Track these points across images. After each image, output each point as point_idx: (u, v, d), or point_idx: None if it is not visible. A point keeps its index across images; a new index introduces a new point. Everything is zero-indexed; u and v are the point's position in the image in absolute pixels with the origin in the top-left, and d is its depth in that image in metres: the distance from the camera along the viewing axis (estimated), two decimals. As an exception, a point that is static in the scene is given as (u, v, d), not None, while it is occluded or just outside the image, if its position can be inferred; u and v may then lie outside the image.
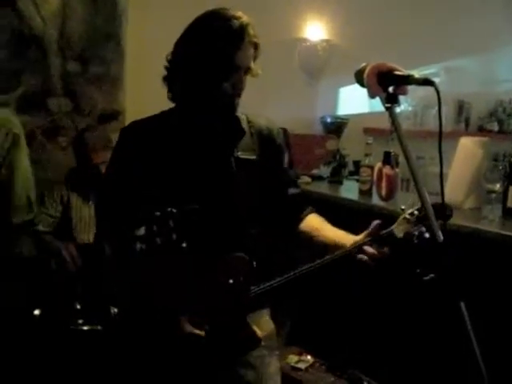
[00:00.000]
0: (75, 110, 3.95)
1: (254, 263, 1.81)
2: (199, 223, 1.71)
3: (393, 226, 1.82)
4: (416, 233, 1.79)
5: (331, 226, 1.96)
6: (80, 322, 2.74)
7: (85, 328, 2.74)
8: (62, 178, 3.51)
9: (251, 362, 1.88)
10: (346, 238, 1.86)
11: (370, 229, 1.83)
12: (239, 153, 1.85)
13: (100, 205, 1.91)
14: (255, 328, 1.82)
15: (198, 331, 1.69)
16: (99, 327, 2.74)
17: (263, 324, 1.92)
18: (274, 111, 4.29)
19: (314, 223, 1.98)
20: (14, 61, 3.69)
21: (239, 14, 1.76)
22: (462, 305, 1.24)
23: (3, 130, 1.89)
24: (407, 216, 1.82)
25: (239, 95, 1.80)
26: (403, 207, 1.86)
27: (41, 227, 3.24)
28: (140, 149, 1.78)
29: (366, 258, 1.78)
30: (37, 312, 2.69)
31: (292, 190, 2.01)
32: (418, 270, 1.33)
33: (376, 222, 1.84)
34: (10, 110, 2.02)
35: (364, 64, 1.49)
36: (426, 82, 1.39)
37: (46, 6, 3.75)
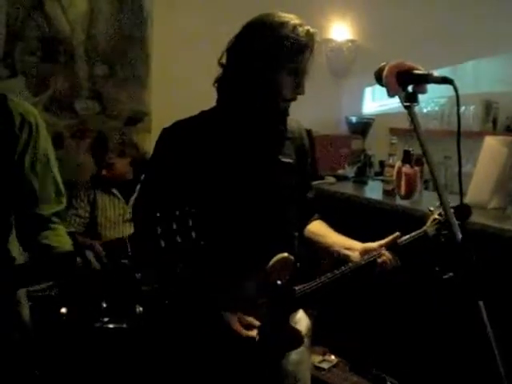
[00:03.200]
0: (102, 111, 4.01)
1: (298, 264, 1.84)
2: (243, 225, 1.76)
3: (425, 227, 1.89)
4: (445, 232, 1.83)
5: (335, 232, 2.00)
6: (105, 320, 2.78)
7: (110, 326, 2.78)
8: (90, 178, 3.57)
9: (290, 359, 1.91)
10: (354, 243, 1.91)
11: (388, 238, 1.88)
12: (280, 156, 1.86)
13: (139, 208, 1.88)
14: (299, 327, 1.87)
15: (250, 333, 1.71)
16: (124, 325, 2.77)
17: (299, 321, 1.96)
18: (300, 112, 4.28)
19: (320, 228, 2.02)
20: (43, 64, 3.77)
21: (298, 20, 1.73)
22: (481, 304, 1.24)
23: (18, 117, 1.90)
24: (437, 216, 1.88)
25: (295, 99, 1.79)
26: (431, 208, 1.93)
27: (72, 228, 3.32)
28: (183, 150, 1.76)
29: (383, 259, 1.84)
30: (63, 310, 2.74)
31: (310, 194, 2.05)
32: (437, 269, 1.33)
33: (396, 234, 1.88)
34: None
35: (383, 63, 1.50)
36: (445, 80, 1.39)
37: (73, 10, 3.82)
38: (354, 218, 3.08)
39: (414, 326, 2.77)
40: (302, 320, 1.97)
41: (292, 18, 1.73)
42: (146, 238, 1.59)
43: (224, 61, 1.80)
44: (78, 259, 1.87)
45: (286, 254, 1.80)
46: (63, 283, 2.70)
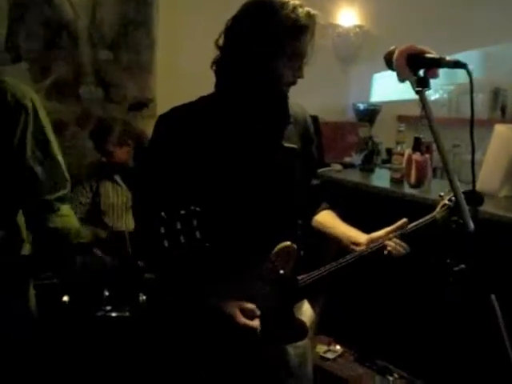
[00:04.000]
0: (107, 98, 3.96)
1: (302, 253, 1.80)
2: (245, 212, 1.71)
3: (434, 212, 1.85)
4: (455, 218, 1.78)
5: (343, 222, 1.96)
6: (108, 308, 2.75)
7: (113, 315, 2.75)
8: (93, 165, 3.54)
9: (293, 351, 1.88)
10: (360, 234, 1.88)
11: (395, 225, 1.84)
12: (283, 141, 1.81)
13: (137, 198, 1.86)
14: (303, 318, 1.83)
15: (252, 323, 1.67)
16: (127, 314, 2.74)
17: (304, 312, 1.93)
18: (306, 98, 4.20)
19: (328, 218, 1.99)
20: (46, 49, 3.72)
21: (298, 1, 1.67)
22: (493, 297, 1.19)
23: (12, 101, 1.83)
24: (447, 202, 1.84)
25: (296, 83, 1.74)
26: (442, 194, 1.89)
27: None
28: (181, 137, 1.70)
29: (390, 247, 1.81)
30: (65, 298, 2.72)
31: (315, 181, 2.01)
32: (448, 261, 1.28)
33: (403, 221, 1.85)
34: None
35: (393, 47, 1.45)
36: (458, 64, 1.34)
37: (77, -6, 3.76)
38: (360, 206, 3.04)
39: (422, 316, 2.74)
40: (306, 311, 1.94)
41: (296, 1, 1.67)
42: (149, 238, 1.55)
43: (221, 42, 1.73)
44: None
45: (288, 243, 1.76)
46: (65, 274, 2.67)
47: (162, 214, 1.36)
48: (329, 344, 3.10)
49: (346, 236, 1.89)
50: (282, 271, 1.75)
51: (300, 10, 1.64)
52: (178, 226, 1.37)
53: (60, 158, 1.99)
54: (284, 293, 1.77)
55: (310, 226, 1.99)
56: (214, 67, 1.76)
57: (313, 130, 1.96)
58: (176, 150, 1.70)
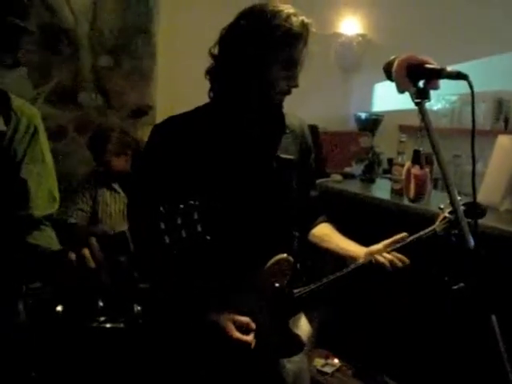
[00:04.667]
0: (106, 104, 3.94)
1: (298, 265, 1.78)
2: (239, 224, 1.68)
3: (434, 225, 1.82)
4: (455, 231, 1.75)
5: (342, 236, 1.94)
6: (102, 319, 2.71)
7: (107, 326, 2.70)
8: (92, 172, 3.50)
9: (288, 366, 1.84)
10: (358, 248, 1.85)
11: (394, 238, 1.82)
12: (279, 152, 1.79)
13: (132, 206, 1.82)
14: (299, 332, 1.80)
15: (246, 337, 1.65)
16: (122, 325, 2.70)
17: (301, 327, 1.89)
18: (308, 107, 4.21)
19: (326, 231, 1.96)
20: (45, 55, 3.69)
21: (292, 10, 1.67)
22: (494, 318, 1.15)
23: (24, 121, 1.84)
24: (447, 215, 1.81)
25: (290, 92, 1.73)
26: (442, 206, 1.85)
27: (72, 220, 3.29)
28: (176, 147, 1.69)
29: (385, 261, 1.77)
30: (59, 308, 2.67)
31: (313, 193, 1.98)
32: (447, 278, 1.24)
33: (403, 234, 1.82)
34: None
35: (393, 57, 1.41)
36: (459, 75, 1.31)
37: (77, 0, 3.73)
38: (360, 217, 3.01)
39: (421, 329, 2.69)
40: (303, 325, 1.90)
41: (286, 8, 1.66)
42: (149, 236, 1.51)
43: (216, 51, 1.72)
44: (73, 256, 1.81)
45: (284, 255, 1.73)
46: (55, 282, 2.62)
47: (161, 209, 1.33)
48: (326, 357, 3.06)
49: (344, 250, 1.86)
50: (277, 284, 1.72)
51: (294, 18, 1.63)
52: (179, 221, 1.33)
53: (53, 178, 1.99)
54: (279, 306, 1.74)
55: (307, 240, 1.95)
56: (207, 76, 1.74)
57: (311, 141, 1.94)
58: (169, 159, 1.69)
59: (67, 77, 3.78)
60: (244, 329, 1.65)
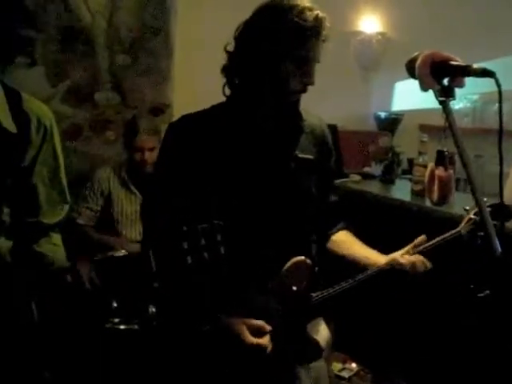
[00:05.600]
0: (123, 103, 3.91)
1: (316, 269, 1.73)
2: (257, 227, 1.64)
3: (460, 227, 1.76)
4: (481, 233, 1.68)
5: (362, 244, 1.89)
6: (116, 320, 2.67)
7: (121, 327, 2.67)
8: (106, 172, 3.47)
9: (308, 372, 1.79)
10: (378, 257, 1.80)
11: (413, 243, 1.77)
12: (297, 152, 1.74)
13: (148, 208, 1.79)
14: (318, 338, 1.75)
15: (260, 340, 1.60)
16: (136, 327, 2.66)
17: (320, 332, 1.84)
18: (326, 106, 4.16)
19: (346, 238, 1.91)
20: (63, 53, 3.67)
21: (308, 4, 1.63)
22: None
23: (34, 121, 1.81)
24: (472, 216, 1.75)
25: (306, 91, 1.68)
26: (467, 207, 1.79)
27: (81, 221, 3.28)
28: (192, 147, 1.66)
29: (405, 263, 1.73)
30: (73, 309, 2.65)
31: (333, 197, 1.93)
32: (472, 286, 1.18)
33: (421, 238, 1.77)
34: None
35: (416, 53, 1.36)
36: (486, 73, 1.25)
37: (95, -1, 3.71)
38: (380, 219, 2.95)
39: (443, 336, 2.63)
40: (322, 331, 1.85)
41: (301, 2, 1.62)
42: (169, 253, 1.49)
43: (231, 48, 1.69)
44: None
45: (302, 257, 1.68)
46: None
47: (184, 228, 1.29)
48: (344, 362, 3.00)
49: (365, 259, 1.81)
50: (294, 287, 1.67)
51: (308, 13, 1.59)
52: (202, 242, 1.30)
53: (64, 180, 1.96)
54: (297, 310, 1.69)
55: (326, 247, 1.90)
56: (223, 73, 1.71)
57: (331, 142, 1.89)
58: (184, 159, 1.66)
59: (84, 75, 3.75)
60: (258, 332, 1.60)
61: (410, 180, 3.22)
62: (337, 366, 2.96)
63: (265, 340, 1.60)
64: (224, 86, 1.71)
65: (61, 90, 3.70)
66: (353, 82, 4.57)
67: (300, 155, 1.73)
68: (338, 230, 1.92)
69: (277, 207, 1.69)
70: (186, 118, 1.72)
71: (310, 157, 1.75)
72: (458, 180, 3.20)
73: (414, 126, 4.41)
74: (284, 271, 1.67)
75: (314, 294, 1.73)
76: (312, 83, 1.66)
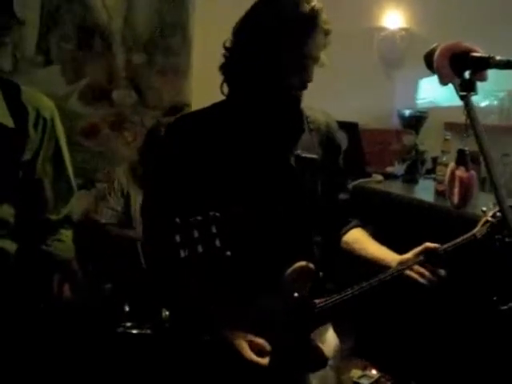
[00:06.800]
0: (140, 102, 3.86)
1: (321, 274, 1.66)
2: (257, 227, 1.55)
3: (475, 230, 1.67)
4: (499, 237, 1.58)
5: (375, 242, 1.80)
6: (128, 324, 2.62)
7: (133, 331, 2.61)
8: (125, 171, 3.44)
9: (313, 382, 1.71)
10: (390, 256, 1.72)
11: (424, 246, 1.68)
12: (299, 151, 1.68)
13: (146, 209, 1.77)
14: (322, 346, 1.66)
15: (260, 359, 1.54)
16: (149, 331, 2.60)
17: (328, 340, 1.77)
18: (349, 104, 4.09)
19: (358, 236, 1.83)
20: (79, 52, 3.65)
21: None
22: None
23: (33, 114, 1.76)
24: (489, 218, 1.67)
25: (306, 87, 1.62)
26: (484, 209, 1.72)
27: (103, 220, 3.28)
28: (190, 147, 1.63)
29: (415, 276, 1.64)
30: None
31: (342, 196, 1.84)
32: (495, 298, 1.08)
33: (434, 245, 1.67)
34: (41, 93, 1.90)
35: (435, 44, 1.26)
36: (510, 64, 1.14)
37: (111, -4, 3.67)
38: (402, 220, 2.85)
39: (465, 343, 2.52)
40: (330, 338, 1.77)
41: None
42: (162, 247, 1.45)
43: (229, 44, 1.65)
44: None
45: (304, 263, 1.60)
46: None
47: (177, 220, 1.24)
48: (364, 368, 2.91)
49: (376, 258, 1.73)
50: (296, 294, 1.59)
51: (304, 5, 1.54)
52: (196, 234, 1.24)
53: (70, 172, 1.92)
54: (299, 317, 1.62)
55: (338, 246, 1.82)
56: (220, 71, 1.66)
57: (339, 138, 1.82)
58: (183, 158, 1.63)
59: (101, 74, 3.72)
60: (259, 350, 1.55)
61: (434, 179, 3.11)
62: (357, 373, 2.87)
63: (264, 360, 1.54)
64: (222, 84, 1.66)
65: (77, 88, 3.67)
66: (376, 78, 4.48)
67: (303, 155, 1.67)
68: (350, 229, 1.83)
69: (277, 208, 1.63)
70: (184, 118, 1.73)
71: (314, 156, 1.69)
72: (483, 180, 3.08)
73: (440, 124, 4.29)
74: (285, 277, 1.60)
75: (317, 301, 1.64)
76: (309, 79, 1.60)
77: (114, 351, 2.56)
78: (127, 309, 2.65)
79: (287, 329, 1.59)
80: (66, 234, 1.92)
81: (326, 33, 1.59)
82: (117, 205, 3.34)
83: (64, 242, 1.91)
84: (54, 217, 1.87)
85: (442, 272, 1.63)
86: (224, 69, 1.65)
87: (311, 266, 1.60)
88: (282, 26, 1.53)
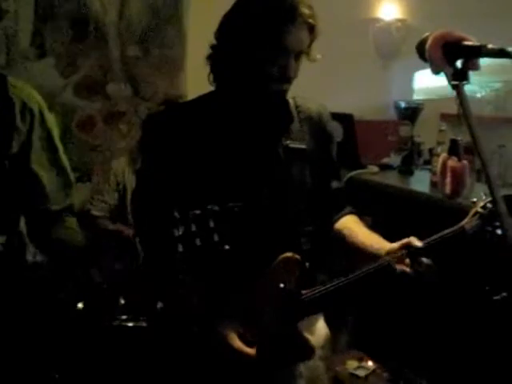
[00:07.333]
0: (135, 94, 3.85)
1: (307, 264, 1.63)
2: (245, 222, 1.54)
3: (463, 222, 1.61)
4: (489, 228, 1.56)
5: (367, 229, 1.78)
6: (123, 317, 2.61)
7: (129, 324, 2.60)
8: (120, 164, 3.44)
9: (302, 372, 1.71)
10: (378, 244, 1.68)
11: (407, 239, 1.62)
12: (288, 141, 1.68)
13: (136, 202, 1.79)
14: (308, 336, 1.64)
15: (248, 349, 1.54)
16: (144, 324, 2.59)
17: (317, 331, 1.77)
18: (345, 96, 4.08)
19: (349, 223, 1.81)
20: (74, 44, 3.62)
21: None
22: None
23: (18, 105, 1.76)
24: (479, 210, 1.61)
25: (288, 81, 1.61)
26: (475, 200, 1.66)
27: (95, 212, 3.31)
28: (177, 138, 1.63)
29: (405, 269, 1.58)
30: (80, 305, 2.59)
31: (335, 184, 1.83)
32: (488, 288, 1.08)
33: (412, 238, 1.61)
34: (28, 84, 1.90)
35: (427, 33, 1.26)
36: (503, 53, 1.14)
37: (105, -12, 3.65)
38: (398, 211, 2.84)
39: (461, 334, 2.52)
40: (320, 329, 1.77)
41: None
42: (159, 242, 1.46)
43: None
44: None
45: (290, 254, 1.59)
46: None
47: (176, 214, 1.24)
48: (360, 360, 2.91)
49: (364, 246, 1.71)
50: (282, 285, 1.58)
51: None
52: (193, 228, 1.24)
53: (67, 164, 1.93)
54: (285, 308, 1.59)
55: (331, 234, 1.81)
56: (207, 62, 1.67)
57: (332, 127, 1.81)
58: (171, 152, 1.63)
59: (95, 66, 3.70)
60: (248, 340, 1.55)
61: (430, 170, 3.10)
62: (352, 364, 2.87)
63: (252, 350, 1.54)
64: (209, 74, 1.67)
65: (72, 81, 3.65)
66: (372, 70, 4.47)
67: (291, 145, 1.66)
68: (342, 216, 1.82)
69: (263, 198, 1.63)
70: (171, 109, 1.76)
71: (302, 146, 1.68)
72: (478, 171, 3.08)
73: (436, 115, 4.28)
74: (271, 268, 1.59)
75: (304, 291, 1.62)
76: (289, 75, 1.59)
77: (110, 344, 2.56)
78: (122, 302, 2.65)
79: (273, 319, 1.58)
80: (71, 221, 1.94)
81: (310, 27, 1.58)
82: (110, 199, 3.35)
83: (71, 229, 1.93)
84: (55, 207, 1.88)
85: (425, 260, 1.57)
86: (209, 60, 1.67)
87: (297, 256, 1.59)
88: (260, 19, 1.52)
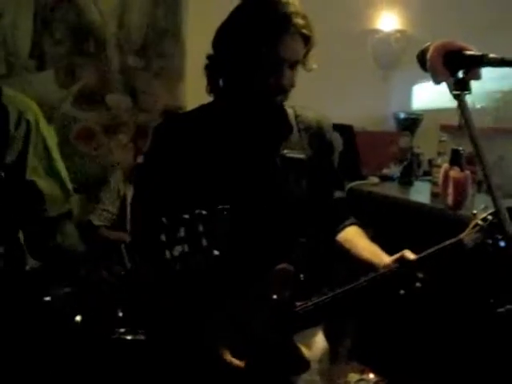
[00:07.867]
0: (135, 105, 3.85)
1: (302, 276, 1.63)
2: (235, 227, 1.53)
3: (462, 235, 1.59)
4: (490, 241, 1.53)
5: (368, 241, 1.77)
6: (122, 330, 2.59)
7: (127, 338, 2.58)
8: (120, 174, 3.44)
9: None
10: (376, 258, 1.67)
11: (401, 253, 1.63)
12: (285, 151, 1.68)
13: (134, 211, 1.80)
14: (303, 350, 1.62)
15: (237, 362, 1.54)
16: (142, 337, 2.57)
17: (315, 344, 1.75)
18: (344, 107, 4.08)
19: (350, 234, 1.79)
20: (73, 56, 3.64)
21: (290, 0, 1.57)
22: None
23: (14, 115, 1.75)
24: (480, 222, 1.59)
25: (285, 91, 1.62)
26: (475, 212, 1.63)
27: (96, 221, 3.30)
28: (176, 148, 1.66)
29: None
30: (78, 318, 2.56)
31: (338, 194, 1.83)
32: (492, 300, 1.06)
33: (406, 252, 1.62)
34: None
35: (428, 43, 1.25)
36: (504, 62, 1.13)
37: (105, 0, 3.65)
38: (398, 222, 2.83)
39: (467, 346, 2.50)
40: (318, 342, 1.75)
41: (285, 0, 1.56)
42: (148, 248, 1.40)
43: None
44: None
45: (284, 265, 1.60)
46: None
47: (163, 219, 1.23)
48: (362, 372, 2.89)
49: (363, 259, 1.70)
50: (275, 296, 1.57)
51: (279, 7, 1.55)
52: (182, 233, 1.22)
53: (64, 173, 1.93)
54: (279, 320, 1.60)
55: (333, 245, 1.80)
56: (205, 73, 1.70)
57: (331, 137, 1.81)
58: (169, 159, 1.66)
59: (95, 77, 3.71)
60: (240, 354, 1.56)
61: (430, 181, 3.10)
62: (354, 377, 2.85)
63: (241, 362, 1.54)
64: (207, 85, 1.69)
65: (72, 92, 3.66)
66: (371, 81, 4.46)
67: (288, 155, 1.67)
68: (344, 227, 1.81)
69: (259, 208, 1.63)
70: (172, 119, 1.77)
71: (301, 156, 1.68)
72: (479, 182, 3.07)
73: (436, 126, 4.28)
74: (265, 280, 1.60)
75: (298, 303, 1.62)
76: (284, 85, 1.59)
77: (109, 358, 2.53)
78: (120, 314, 2.62)
79: (265, 330, 1.58)
80: (70, 227, 1.93)
81: (306, 38, 1.59)
82: (113, 207, 3.36)
83: (71, 236, 1.93)
84: (52, 213, 1.87)
85: (419, 274, 1.56)
86: (207, 70, 1.68)
87: (291, 268, 1.59)
88: (254, 29, 1.54)
